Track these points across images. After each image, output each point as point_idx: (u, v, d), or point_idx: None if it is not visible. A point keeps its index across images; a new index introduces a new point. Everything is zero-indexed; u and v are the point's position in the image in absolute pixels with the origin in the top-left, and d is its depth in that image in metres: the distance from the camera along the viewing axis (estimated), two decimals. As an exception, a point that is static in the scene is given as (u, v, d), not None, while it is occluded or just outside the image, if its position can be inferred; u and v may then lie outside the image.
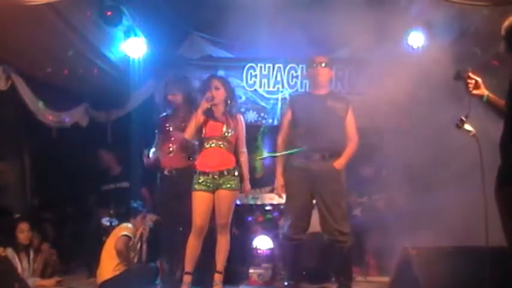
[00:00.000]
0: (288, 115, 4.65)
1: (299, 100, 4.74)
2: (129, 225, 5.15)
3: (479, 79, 3.12)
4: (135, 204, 5.34)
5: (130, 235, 5.03)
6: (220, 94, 4.57)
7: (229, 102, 4.61)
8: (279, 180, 4.58)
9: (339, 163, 4.41)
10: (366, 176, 6.27)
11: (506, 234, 2.88)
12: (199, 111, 4.51)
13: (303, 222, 4.45)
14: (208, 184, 4.47)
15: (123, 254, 4.90)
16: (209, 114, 4.57)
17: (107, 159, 6.37)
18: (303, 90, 6.74)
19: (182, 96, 5.03)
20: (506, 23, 2.97)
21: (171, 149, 4.94)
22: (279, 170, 4.60)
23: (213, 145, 4.51)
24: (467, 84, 3.12)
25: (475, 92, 3.12)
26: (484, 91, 3.12)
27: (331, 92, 4.73)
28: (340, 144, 4.47)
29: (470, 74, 3.12)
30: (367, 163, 6.19)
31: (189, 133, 4.54)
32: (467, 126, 3.21)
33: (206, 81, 4.68)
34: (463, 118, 3.19)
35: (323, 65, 4.54)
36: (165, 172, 4.97)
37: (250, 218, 5.81)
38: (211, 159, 4.49)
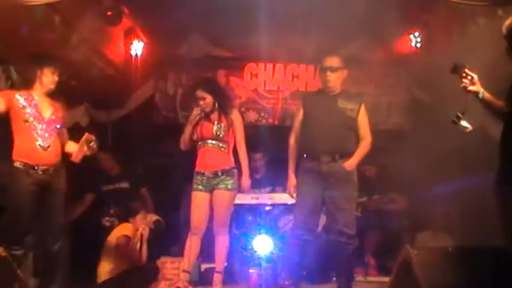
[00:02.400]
0: (300, 115, 4.61)
1: (310, 100, 4.67)
2: (129, 225, 5.16)
3: (475, 76, 3.12)
4: (135, 205, 5.34)
5: (131, 235, 5.04)
6: (208, 102, 4.55)
7: (216, 104, 4.58)
8: (291, 181, 4.55)
9: (349, 164, 4.35)
10: (369, 176, 6.27)
11: (505, 233, 2.89)
12: (189, 127, 4.50)
13: (312, 223, 4.43)
14: (204, 184, 4.48)
15: (123, 255, 4.92)
16: (202, 115, 4.57)
17: (106, 162, 6.34)
18: (303, 89, 6.75)
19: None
20: (507, 22, 2.97)
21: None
22: (292, 170, 4.58)
23: (206, 145, 4.53)
24: (463, 80, 3.13)
25: (471, 88, 3.12)
26: (480, 88, 3.12)
27: (344, 90, 4.58)
28: (351, 145, 4.41)
29: (467, 70, 3.12)
30: (370, 163, 6.20)
31: (184, 146, 4.55)
32: (463, 123, 3.20)
33: (192, 91, 4.66)
34: (460, 114, 3.19)
35: (333, 67, 4.43)
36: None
37: (250, 218, 5.80)
38: (206, 160, 4.51)
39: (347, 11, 5.21)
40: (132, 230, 5.10)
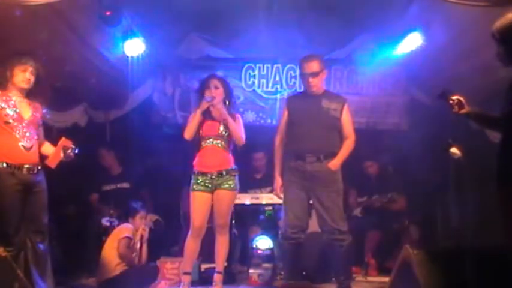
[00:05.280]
0: (285, 115, 4.65)
1: (294, 100, 4.73)
2: (129, 225, 5.15)
3: (462, 98, 3.19)
4: (135, 205, 5.34)
5: (131, 236, 5.04)
6: (219, 93, 4.56)
7: (227, 102, 4.60)
8: (278, 181, 4.61)
9: (333, 164, 4.42)
10: (371, 173, 6.29)
11: (506, 234, 2.89)
12: (199, 111, 4.51)
13: (301, 222, 4.46)
14: (206, 184, 4.47)
15: (125, 256, 4.92)
16: (206, 113, 4.56)
17: (107, 158, 6.36)
18: (301, 90, 6.74)
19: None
20: (497, 24, 2.96)
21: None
22: (278, 171, 4.63)
23: (209, 144, 4.51)
24: (452, 106, 3.19)
25: (462, 111, 3.20)
26: (469, 108, 3.21)
27: (326, 91, 4.68)
28: (335, 145, 4.48)
29: (454, 97, 3.20)
30: (371, 161, 6.22)
31: (189, 133, 4.53)
32: (454, 150, 3.26)
33: (205, 81, 4.67)
34: (450, 141, 3.25)
35: (314, 72, 4.45)
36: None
37: (250, 218, 5.81)
38: (209, 159, 4.50)
39: (346, 11, 5.23)
40: (132, 230, 5.10)
